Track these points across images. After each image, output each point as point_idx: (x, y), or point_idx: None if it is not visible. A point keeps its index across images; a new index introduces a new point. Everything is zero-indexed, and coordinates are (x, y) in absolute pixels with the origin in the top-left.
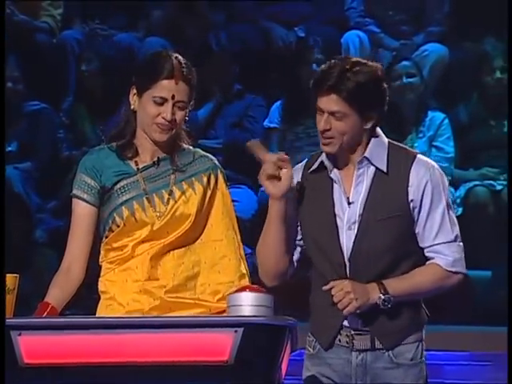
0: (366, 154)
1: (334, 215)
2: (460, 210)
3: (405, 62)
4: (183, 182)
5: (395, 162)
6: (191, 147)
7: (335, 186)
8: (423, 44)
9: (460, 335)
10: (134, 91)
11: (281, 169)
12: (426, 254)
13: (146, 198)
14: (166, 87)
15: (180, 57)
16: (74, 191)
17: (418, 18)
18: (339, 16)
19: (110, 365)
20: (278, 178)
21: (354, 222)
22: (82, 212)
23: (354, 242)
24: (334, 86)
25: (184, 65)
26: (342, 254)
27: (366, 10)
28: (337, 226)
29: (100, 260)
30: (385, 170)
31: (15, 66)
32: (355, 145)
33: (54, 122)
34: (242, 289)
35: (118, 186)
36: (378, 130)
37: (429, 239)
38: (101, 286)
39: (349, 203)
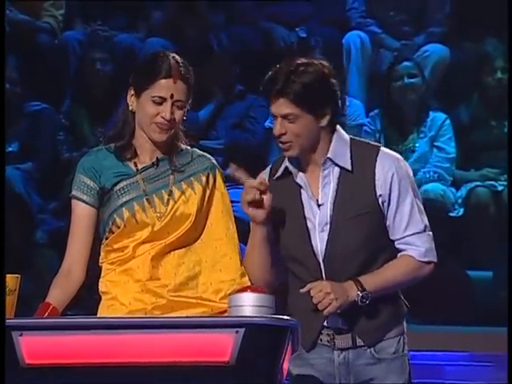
0: (328, 155)
1: (305, 219)
2: (461, 210)
3: (406, 63)
4: (182, 182)
5: (359, 159)
6: (189, 147)
7: (302, 189)
8: (424, 44)
9: (461, 336)
10: (132, 92)
11: (262, 194)
12: (398, 246)
13: (146, 198)
14: (164, 87)
15: (177, 56)
16: (74, 192)
17: (419, 18)
18: (340, 16)
19: (111, 365)
20: (260, 203)
21: (326, 224)
22: (82, 213)
23: (327, 244)
24: (280, 90)
25: (182, 64)
26: (316, 257)
27: (367, 10)
28: (308, 230)
29: (100, 261)
30: (349, 168)
31: (16, 67)
32: (315, 145)
33: (54, 122)
34: (244, 289)
35: (118, 187)
36: (338, 127)
37: (399, 231)
38: (101, 287)
39: (318, 205)
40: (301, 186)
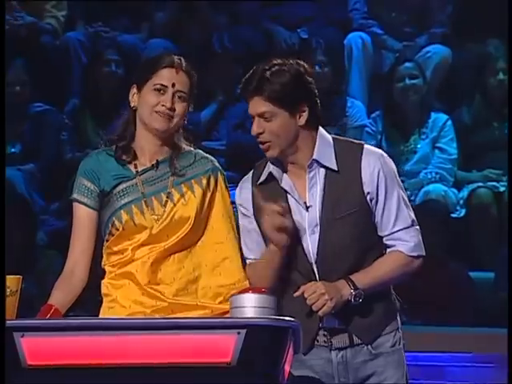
0: (314, 157)
1: (293, 223)
2: (463, 211)
3: (408, 64)
4: (182, 185)
5: (344, 158)
6: (192, 149)
7: (288, 193)
8: (426, 45)
9: (463, 337)
10: (135, 90)
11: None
12: (386, 242)
13: (145, 201)
14: (166, 75)
15: (181, 57)
16: (74, 195)
17: (420, 19)
18: (342, 17)
19: (112, 366)
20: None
21: (316, 225)
22: (83, 216)
23: (318, 245)
24: (255, 88)
25: (184, 61)
26: (308, 259)
27: (369, 11)
28: (298, 233)
29: (102, 263)
30: (335, 168)
31: (18, 68)
32: (296, 145)
33: (57, 123)
34: (245, 290)
35: (117, 189)
36: (320, 128)
37: (387, 227)
38: (103, 289)
39: (307, 208)
40: (286, 190)
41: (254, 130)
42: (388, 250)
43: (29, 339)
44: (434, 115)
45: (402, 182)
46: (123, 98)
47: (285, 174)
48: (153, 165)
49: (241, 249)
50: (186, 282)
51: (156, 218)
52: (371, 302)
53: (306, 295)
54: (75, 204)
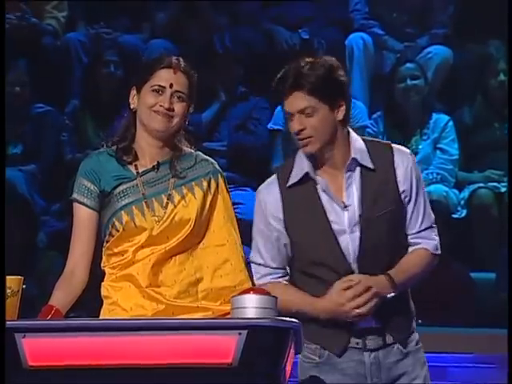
0: (353, 155)
1: (329, 222)
2: (464, 212)
3: (409, 65)
4: (183, 187)
5: (377, 157)
6: (192, 151)
7: (322, 193)
8: (427, 46)
9: (464, 337)
10: (134, 92)
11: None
12: (411, 240)
13: (145, 202)
14: (164, 76)
15: (180, 58)
16: (75, 195)
17: (422, 20)
18: (343, 18)
19: (114, 367)
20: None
21: (355, 224)
22: (83, 216)
23: (359, 244)
24: (294, 84)
25: (183, 61)
26: (346, 258)
27: (370, 12)
28: (334, 233)
29: (102, 265)
30: (372, 167)
31: (19, 69)
32: (334, 142)
33: (58, 124)
34: (246, 291)
35: (118, 190)
36: (349, 128)
37: (415, 226)
38: (103, 291)
39: (345, 206)
40: (322, 189)
41: (295, 127)
42: (412, 247)
43: (30, 340)
44: (435, 116)
45: None
46: (123, 99)
47: (319, 174)
48: (153, 166)
49: (245, 251)
50: (187, 284)
51: (156, 219)
52: (401, 299)
53: (356, 292)
54: (75, 204)
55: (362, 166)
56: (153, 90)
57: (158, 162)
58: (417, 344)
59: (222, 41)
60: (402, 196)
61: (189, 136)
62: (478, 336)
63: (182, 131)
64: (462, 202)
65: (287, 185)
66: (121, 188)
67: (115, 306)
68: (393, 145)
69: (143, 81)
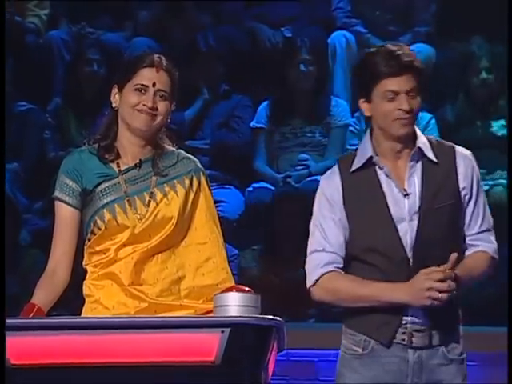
0: (419, 145)
1: (388, 209)
2: None
3: None
4: (165, 185)
5: (440, 151)
6: (174, 149)
7: (384, 179)
8: (410, 44)
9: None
10: (116, 90)
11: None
12: (470, 242)
13: (127, 200)
14: (146, 75)
15: (162, 56)
16: (56, 193)
17: (404, 18)
18: (326, 16)
19: (96, 365)
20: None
21: (415, 213)
22: (65, 215)
23: (417, 232)
24: (409, 64)
25: (165, 60)
26: (403, 246)
27: (352, 10)
28: (393, 220)
29: (84, 263)
30: (435, 160)
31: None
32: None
33: (40, 122)
34: (229, 289)
35: (100, 188)
36: None
37: (475, 227)
38: (85, 290)
39: (406, 194)
40: (386, 175)
41: (407, 106)
42: (471, 249)
43: (12, 339)
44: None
45: None
46: (106, 97)
47: (382, 161)
48: (136, 164)
49: (227, 249)
50: (170, 282)
51: (139, 217)
52: (452, 301)
53: (436, 279)
54: (57, 203)
55: (425, 157)
56: (135, 89)
57: (140, 160)
58: (461, 354)
59: (205, 39)
60: (462, 193)
61: (170, 134)
62: (477, 334)
63: (163, 129)
64: None
65: (350, 170)
66: (103, 186)
67: (97, 304)
68: (455, 145)
69: (125, 80)
